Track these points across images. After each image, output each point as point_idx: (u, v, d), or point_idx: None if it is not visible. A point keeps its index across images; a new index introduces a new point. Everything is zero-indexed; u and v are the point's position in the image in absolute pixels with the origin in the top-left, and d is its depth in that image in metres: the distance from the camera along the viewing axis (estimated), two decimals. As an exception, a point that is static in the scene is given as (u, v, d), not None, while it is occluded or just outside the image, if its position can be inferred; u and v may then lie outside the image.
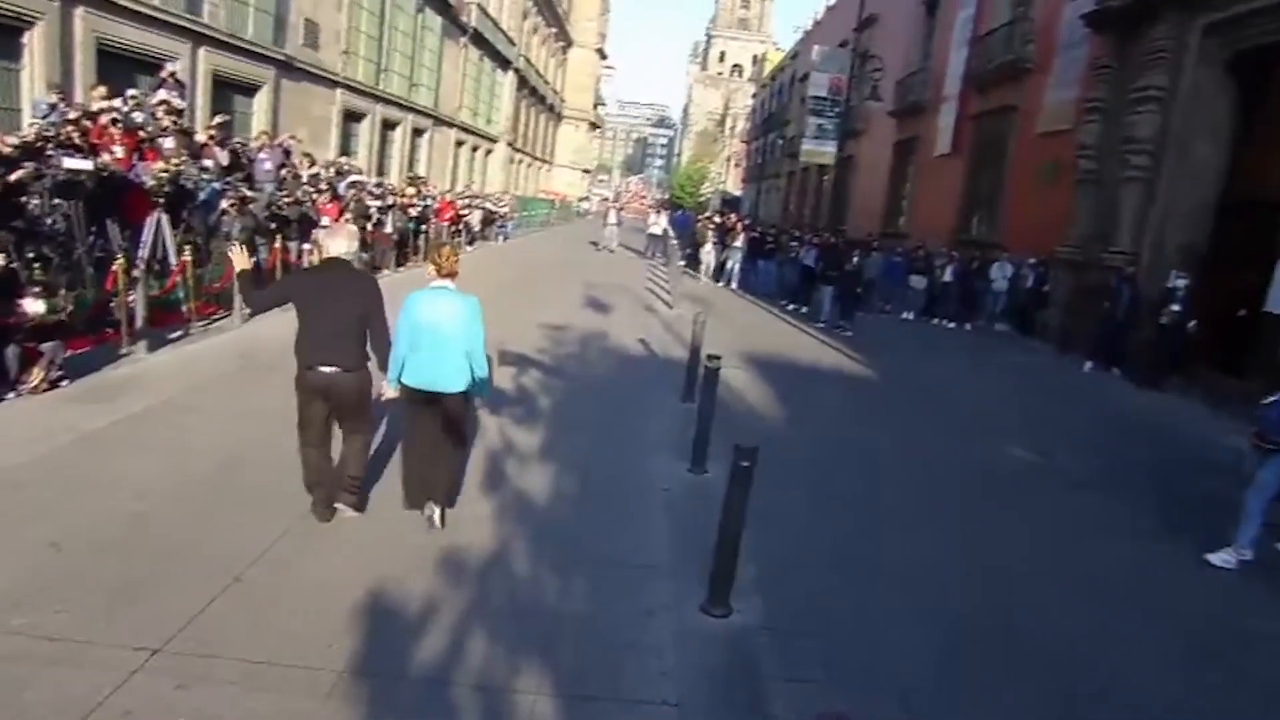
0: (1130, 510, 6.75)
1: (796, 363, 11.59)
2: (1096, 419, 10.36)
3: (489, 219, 25.24)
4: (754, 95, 71.67)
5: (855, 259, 16.09)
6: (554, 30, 51.30)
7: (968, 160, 22.33)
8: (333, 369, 4.46)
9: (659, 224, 26.66)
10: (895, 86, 27.54)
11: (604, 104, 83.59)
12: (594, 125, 67.76)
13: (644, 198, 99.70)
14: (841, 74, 28.14)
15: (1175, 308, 12.06)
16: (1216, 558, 5.68)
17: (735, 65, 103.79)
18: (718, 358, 6.45)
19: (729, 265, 20.03)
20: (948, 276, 17.83)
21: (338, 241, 4.72)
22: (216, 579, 3.94)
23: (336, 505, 4.74)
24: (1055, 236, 15.89)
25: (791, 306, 17.23)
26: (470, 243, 22.53)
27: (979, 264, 17.90)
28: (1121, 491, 7.23)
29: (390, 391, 4.66)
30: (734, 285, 19.70)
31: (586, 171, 68.78)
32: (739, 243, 20.09)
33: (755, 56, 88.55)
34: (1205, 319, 12.36)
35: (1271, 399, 5.69)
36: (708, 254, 20.53)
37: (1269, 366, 9.69)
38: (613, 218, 28.57)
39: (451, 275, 4.64)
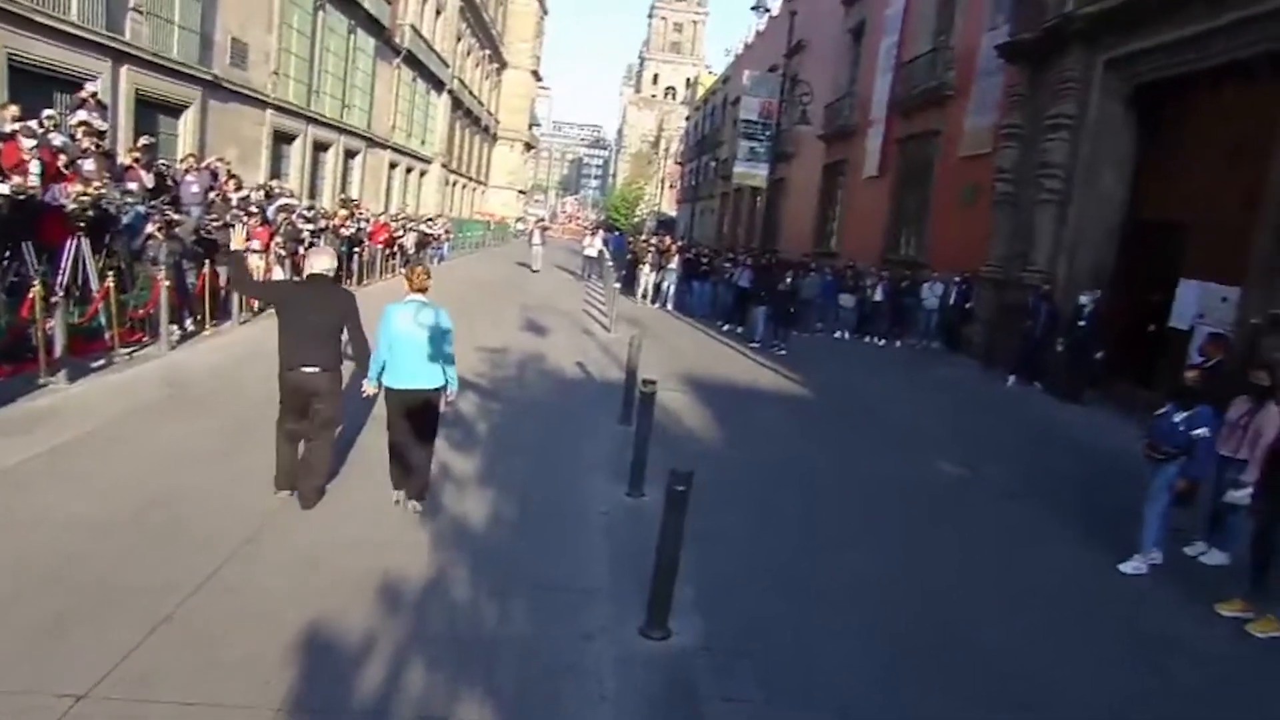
0: (1057, 521, 7.05)
1: (732, 383, 11.78)
2: (1020, 432, 10.79)
3: (424, 241, 25.00)
4: (687, 117, 72.68)
5: (790, 279, 16.45)
6: (488, 52, 51.32)
7: (894, 182, 23.08)
8: (312, 369, 5.15)
9: (594, 245, 26.87)
10: (824, 110, 28.34)
11: (539, 125, 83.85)
12: (529, 146, 67.83)
13: (579, 218, 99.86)
14: (772, 98, 28.79)
15: (1081, 324, 12.66)
16: (1128, 566, 5.98)
17: (669, 87, 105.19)
18: (653, 382, 6.55)
19: (665, 287, 20.25)
20: (878, 295, 18.34)
21: (321, 260, 5.51)
22: (147, 616, 3.85)
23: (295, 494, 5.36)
24: (978, 256, 16.53)
25: (726, 327, 17.50)
26: (406, 264, 22.28)
27: (909, 283, 18.48)
28: (1047, 502, 7.55)
29: (370, 389, 5.38)
30: (670, 307, 19.91)
31: (522, 192, 68.74)
32: (674, 264, 20.33)
33: (688, 79, 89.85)
34: (1118, 334, 13.02)
35: (1163, 410, 6.04)
36: (645, 275, 20.71)
37: (1174, 379, 10.24)
38: (537, 238, 29.00)
39: (423, 290, 5.38)
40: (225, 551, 4.58)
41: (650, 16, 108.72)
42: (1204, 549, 6.42)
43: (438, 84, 38.49)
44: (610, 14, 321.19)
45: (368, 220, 20.27)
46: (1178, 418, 5.87)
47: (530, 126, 66.93)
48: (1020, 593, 5.52)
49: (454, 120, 43.36)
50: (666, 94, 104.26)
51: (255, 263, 12.09)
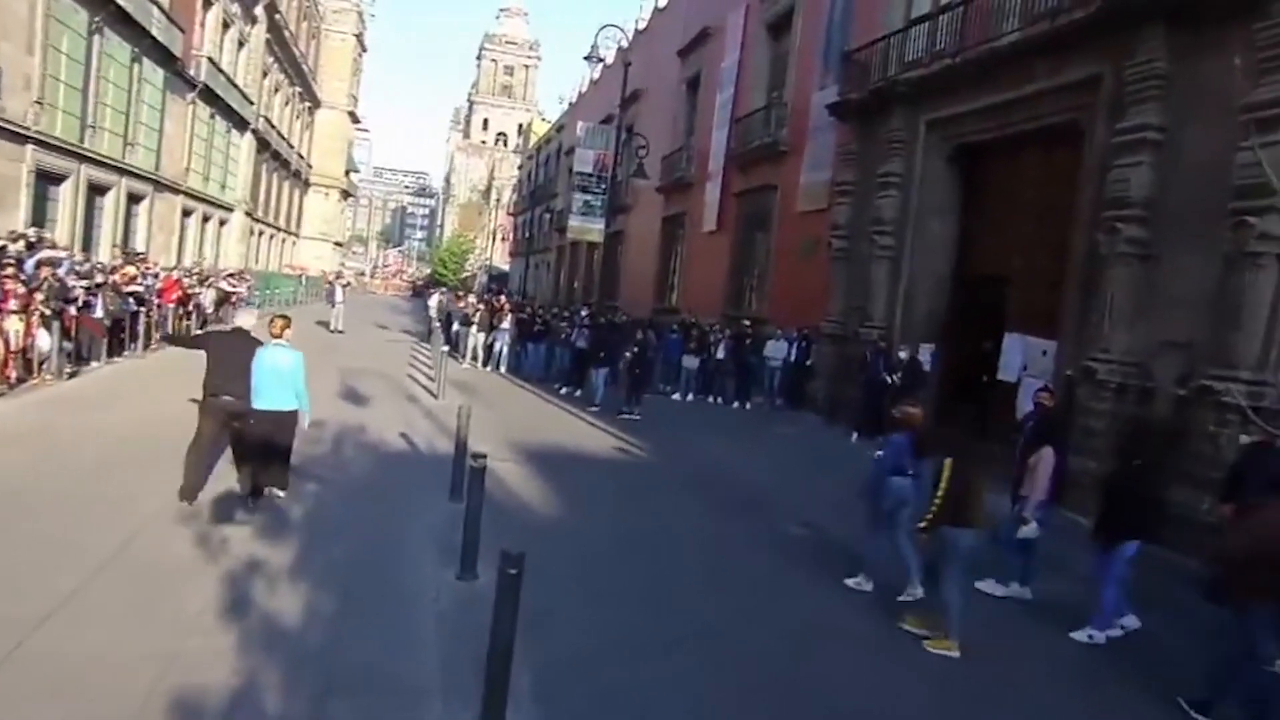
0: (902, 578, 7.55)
1: (571, 451, 11.91)
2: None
3: (224, 299, 23.76)
4: (520, 166, 73.53)
5: (640, 337, 16.82)
6: (299, 89, 50.12)
7: (734, 236, 24.29)
8: (230, 398, 7.18)
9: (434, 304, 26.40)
10: (662, 162, 29.51)
11: (358, 170, 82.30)
12: (346, 193, 66.31)
13: (404, 272, 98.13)
14: (607, 150, 29.67)
15: (895, 376, 13.89)
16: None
17: (500, 133, 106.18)
18: (484, 456, 6.57)
19: (497, 348, 20.20)
20: (721, 353, 19.00)
21: (245, 317, 8.07)
22: None
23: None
24: (818, 310, 17.65)
25: (565, 390, 17.65)
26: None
27: (753, 340, 19.22)
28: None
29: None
30: (503, 369, 19.87)
31: (338, 244, 66.89)
32: (506, 324, 20.33)
33: (520, 125, 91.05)
34: (953, 386, 14.26)
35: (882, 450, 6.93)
36: (473, 336, 20.58)
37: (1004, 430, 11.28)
38: (339, 295, 26.85)
39: (282, 335, 7.48)
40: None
41: (479, 58, 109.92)
42: (999, 584, 7.35)
43: (240, 123, 37.11)
44: (436, 54, 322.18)
45: (156, 275, 19.08)
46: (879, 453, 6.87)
47: (347, 172, 65.51)
48: (872, 646, 5.93)
49: (260, 164, 41.84)
50: (497, 140, 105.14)
51: (14, 325, 11.15)
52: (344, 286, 28.95)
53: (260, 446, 7.33)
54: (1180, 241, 9.96)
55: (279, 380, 7.26)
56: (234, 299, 24.83)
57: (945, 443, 6.44)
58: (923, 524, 6.18)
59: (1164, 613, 6.86)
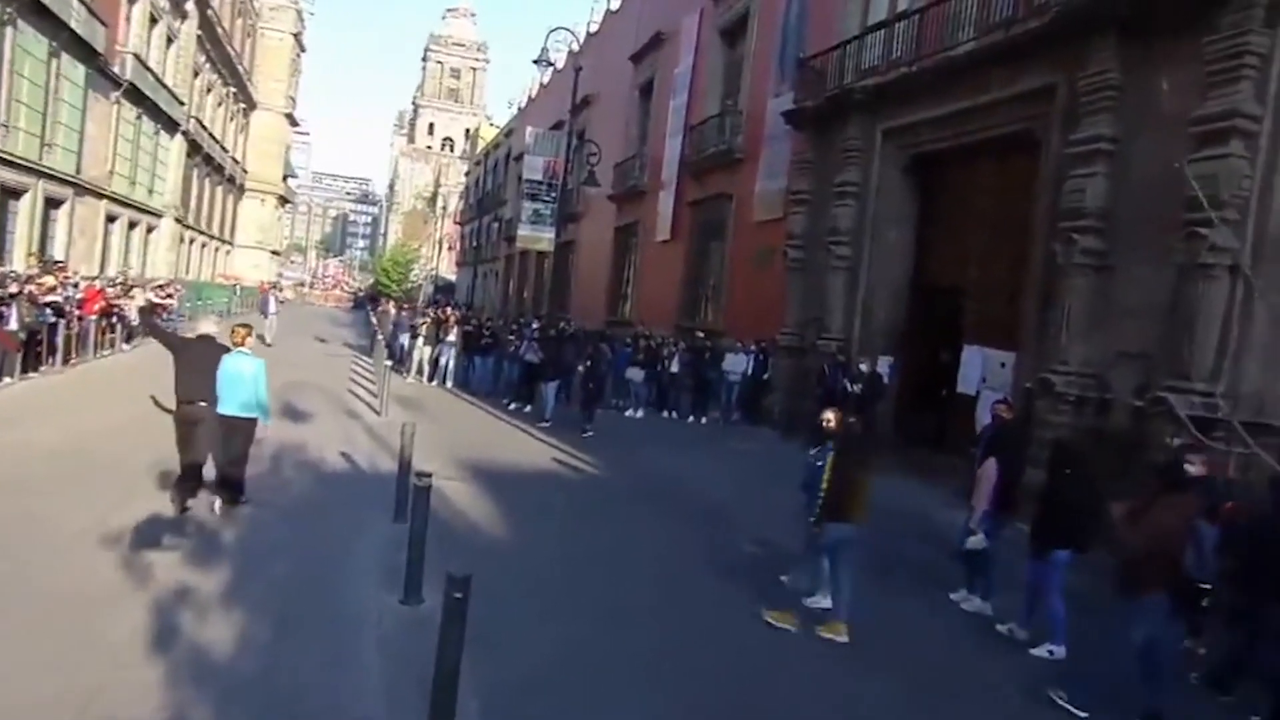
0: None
1: (520, 468, 11.86)
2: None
3: (150, 310, 23.21)
4: (467, 172, 73.31)
5: (593, 350, 16.79)
6: (233, 90, 49.34)
7: (689, 247, 24.47)
8: (201, 404, 7.68)
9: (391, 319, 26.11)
10: (614, 170, 29.65)
11: (296, 176, 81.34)
12: (284, 200, 65.37)
13: (345, 282, 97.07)
14: (557, 157, 29.70)
15: (857, 387, 14.08)
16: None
17: (446, 138, 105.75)
18: (428, 475, 6.52)
19: (443, 362, 20.04)
20: (675, 367, 19.03)
21: (207, 324, 8.62)
22: None
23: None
24: (775, 322, 17.83)
25: (514, 406, 17.57)
26: (129, 340, 20.58)
27: (711, 353, 19.27)
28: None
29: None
30: (449, 384, 19.71)
31: (275, 253, 65.90)
32: (452, 337, 20.16)
33: (468, 130, 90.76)
34: (911, 398, 14.51)
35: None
36: (418, 350, 20.39)
37: (963, 441, 11.52)
38: (271, 306, 26.78)
39: (244, 343, 7.97)
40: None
41: (425, 60, 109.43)
42: (965, 596, 7.68)
43: (170, 124, 36.39)
44: (380, 56, 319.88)
45: (77, 285, 18.61)
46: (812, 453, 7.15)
47: (285, 177, 64.66)
48: (831, 658, 6.01)
49: (191, 167, 41.07)
50: (444, 145, 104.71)
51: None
52: (278, 298, 28.58)
53: (218, 450, 7.88)
54: (1135, 252, 10.27)
55: (241, 387, 7.78)
56: (160, 310, 24.31)
57: (834, 438, 6.95)
58: (813, 519, 6.75)
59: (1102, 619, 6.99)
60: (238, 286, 45.28)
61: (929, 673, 6.16)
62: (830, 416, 7.07)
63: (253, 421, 7.87)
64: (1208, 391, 9.08)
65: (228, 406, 7.68)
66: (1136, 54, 10.45)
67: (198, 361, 7.74)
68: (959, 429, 13.27)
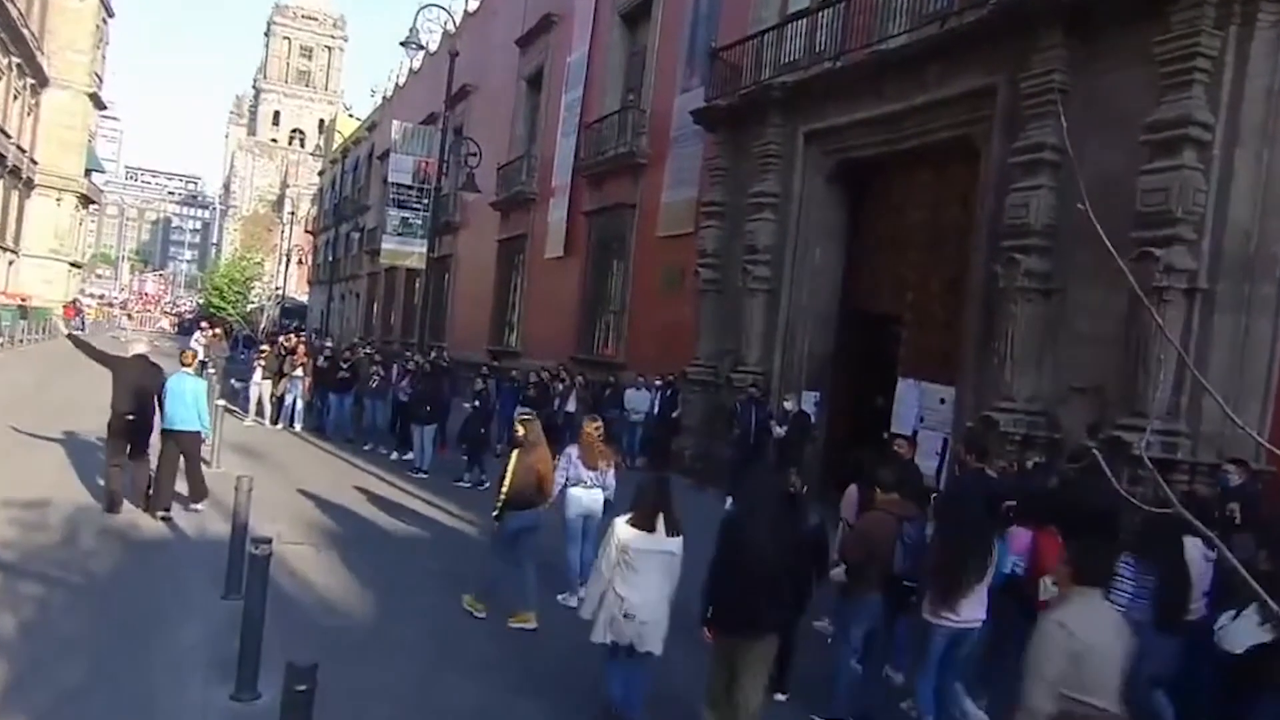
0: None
1: (385, 529, 11.72)
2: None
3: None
4: (321, 172, 72.35)
5: (480, 388, 16.66)
6: (16, 60, 47.13)
7: (585, 265, 24.63)
8: (135, 416, 10.32)
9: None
10: (498, 173, 29.73)
11: (104, 171, 78.45)
12: (87, 200, 62.89)
13: (171, 302, 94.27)
14: (430, 156, 29.56)
15: (781, 429, 14.41)
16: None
17: (295, 130, 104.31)
18: (268, 541, 6.39)
19: (289, 401, 19.59)
20: (570, 406, 19.02)
21: (139, 345, 12.06)
22: None
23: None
24: (685, 353, 18.02)
25: (383, 452, 17.32)
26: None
27: (611, 390, 19.31)
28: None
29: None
30: (298, 427, 19.29)
31: (76, 265, 63.39)
32: (300, 371, 19.72)
33: (322, 121, 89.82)
34: (842, 434, 14.94)
35: None
36: (256, 386, 19.90)
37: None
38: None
39: (192, 365, 11.14)
40: None
41: (268, 35, 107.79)
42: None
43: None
44: (213, 25, 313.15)
45: None
46: None
47: (89, 172, 62.23)
48: None
49: (-36, 160, 39.25)
50: (292, 139, 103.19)
51: None
52: (83, 316, 27.65)
53: (172, 462, 10.49)
54: (1085, 274, 10.66)
55: (186, 403, 10.48)
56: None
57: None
58: (494, 513, 8.44)
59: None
60: (25, 307, 43.16)
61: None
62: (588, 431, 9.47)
63: (198, 433, 10.75)
64: (1168, 429, 9.47)
65: (179, 422, 10.40)
66: (1083, 52, 10.98)
67: (132, 378, 10.53)
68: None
